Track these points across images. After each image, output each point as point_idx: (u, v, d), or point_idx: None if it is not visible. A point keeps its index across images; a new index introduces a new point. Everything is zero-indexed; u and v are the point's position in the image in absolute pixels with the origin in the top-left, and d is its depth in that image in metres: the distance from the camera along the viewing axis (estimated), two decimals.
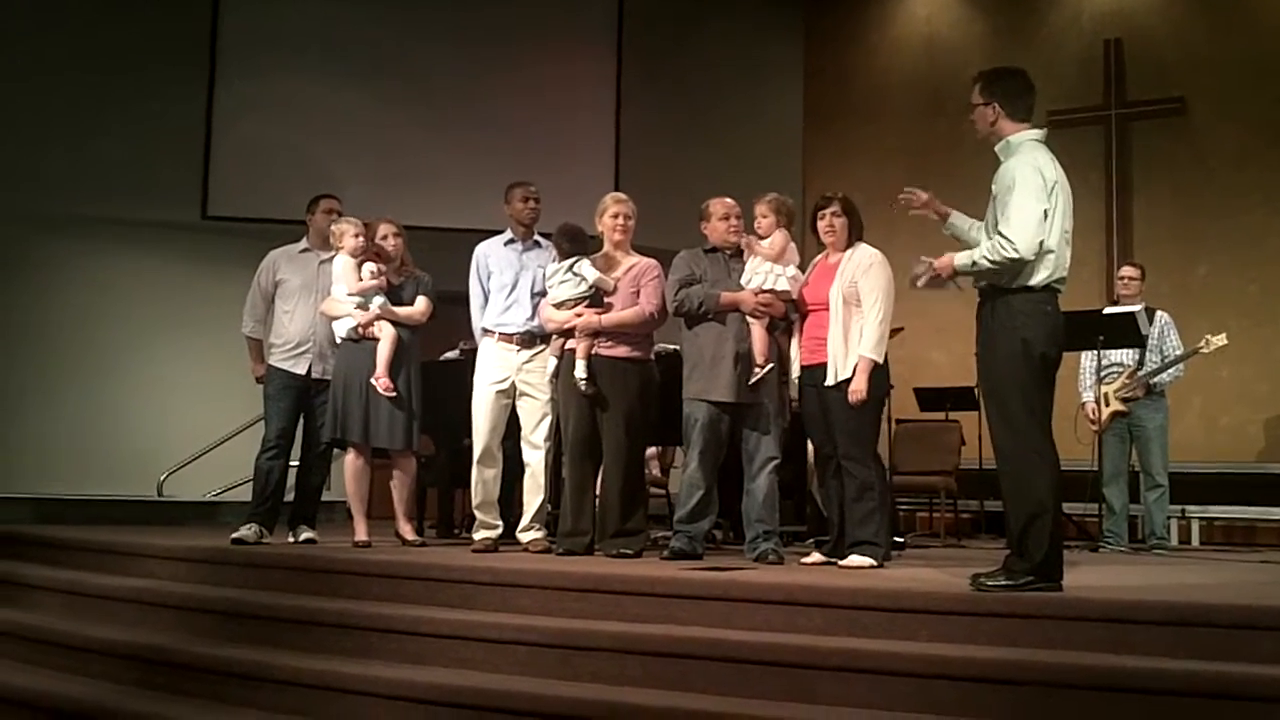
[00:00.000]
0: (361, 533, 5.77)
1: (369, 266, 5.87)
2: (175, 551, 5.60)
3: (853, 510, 4.99)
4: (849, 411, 4.94)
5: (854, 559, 4.92)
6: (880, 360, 4.97)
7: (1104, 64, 10.05)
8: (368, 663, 4.21)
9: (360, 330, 5.81)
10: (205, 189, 9.90)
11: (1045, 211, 4.06)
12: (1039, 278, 4.09)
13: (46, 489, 8.68)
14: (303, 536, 6.01)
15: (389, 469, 5.98)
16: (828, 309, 5.04)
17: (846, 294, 5.00)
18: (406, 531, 5.93)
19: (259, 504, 5.97)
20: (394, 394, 5.74)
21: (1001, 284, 4.12)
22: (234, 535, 5.78)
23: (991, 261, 4.06)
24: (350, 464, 5.88)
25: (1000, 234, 4.04)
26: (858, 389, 4.90)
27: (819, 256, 5.29)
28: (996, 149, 4.27)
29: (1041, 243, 4.04)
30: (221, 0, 9.98)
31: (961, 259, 4.18)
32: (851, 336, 4.96)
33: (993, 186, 4.20)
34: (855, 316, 4.98)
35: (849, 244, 5.15)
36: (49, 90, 9.55)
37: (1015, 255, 4.02)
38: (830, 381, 4.96)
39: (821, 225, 5.18)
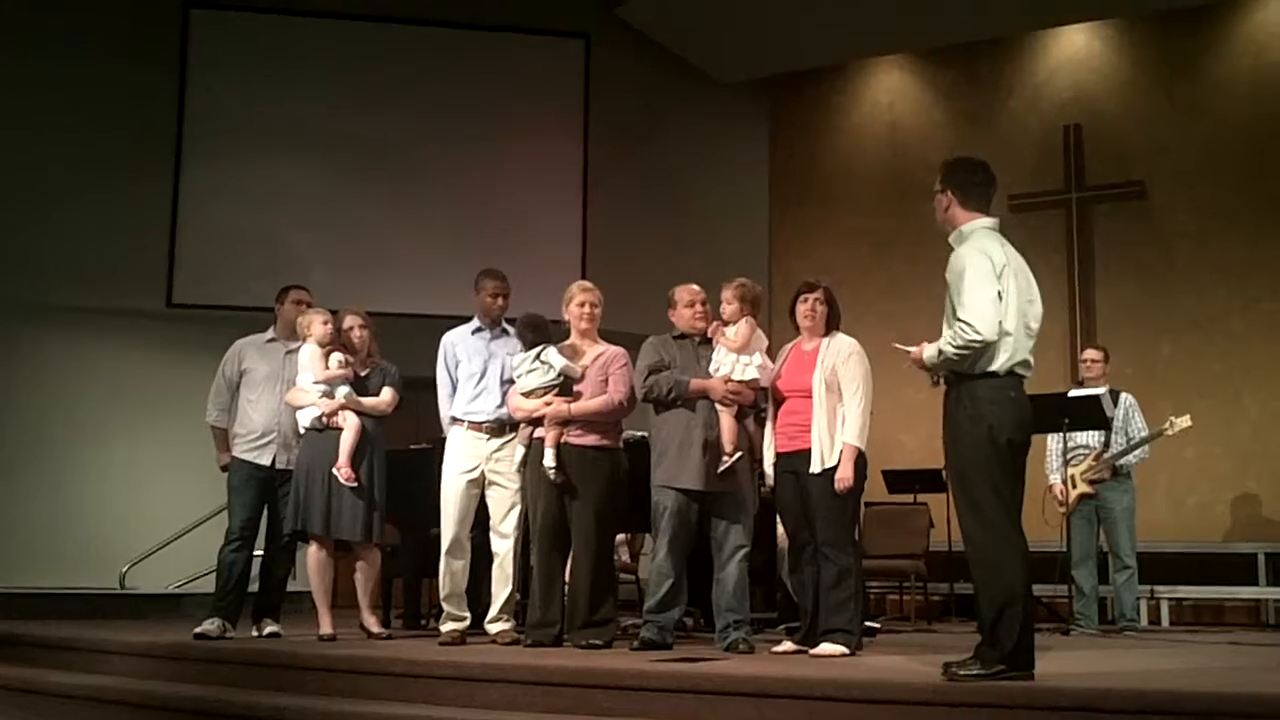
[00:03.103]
0: (326, 625, 5.69)
1: (336, 356, 5.85)
2: (136, 647, 5.51)
3: (828, 597, 4.96)
4: (832, 498, 4.94)
5: (826, 647, 4.88)
6: (863, 447, 4.99)
7: (1064, 149, 10.25)
8: None
9: (324, 420, 5.77)
10: (170, 277, 9.86)
11: (999, 293, 4.08)
12: (999, 363, 4.08)
13: (5, 581, 8.50)
14: (267, 630, 5.91)
15: (355, 559, 5.90)
16: (804, 396, 5.07)
17: (829, 382, 5.02)
18: (371, 624, 5.85)
19: (221, 597, 5.88)
20: (356, 484, 5.69)
21: (964, 370, 4.13)
22: (196, 630, 5.69)
23: (956, 348, 4.04)
24: (313, 556, 5.81)
25: (960, 320, 4.04)
26: (845, 476, 4.92)
27: (792, 343, 5.32)
28: (950, 238, 4.28)
29: (999, 324, 4.06)
30: (187, 87, 10.03)
31: (929, 352, 4.18)
32: (836, 424, 4.98)
33: (947, 275, 4.21)
34: (839, 404, 5.00)
35: (825, 333, 5.19)
36: (12, 177, 9.53)
37: (978, 337, 4.00)
38: (816, 469, 4.97)
39: (803, 309, 5.21)
